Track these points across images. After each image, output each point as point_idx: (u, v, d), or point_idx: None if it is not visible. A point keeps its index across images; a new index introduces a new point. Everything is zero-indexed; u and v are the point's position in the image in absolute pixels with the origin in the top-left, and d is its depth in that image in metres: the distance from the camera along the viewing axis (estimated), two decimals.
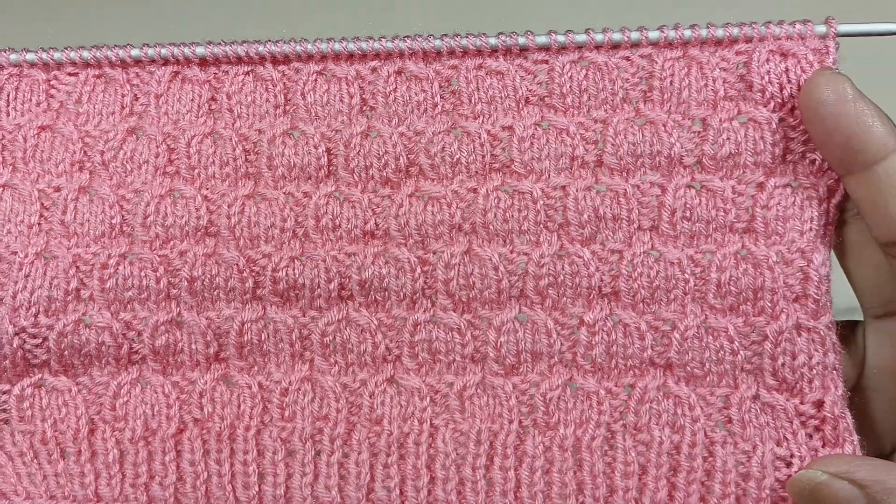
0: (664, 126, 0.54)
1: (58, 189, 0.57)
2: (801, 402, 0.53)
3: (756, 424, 0.53)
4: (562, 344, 0.55)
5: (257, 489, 0.55)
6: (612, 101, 0.55)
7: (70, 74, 0.58)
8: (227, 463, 0.55)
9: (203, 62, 0.58)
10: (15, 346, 0.55)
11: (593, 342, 0.54)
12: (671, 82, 0.54)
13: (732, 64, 0.54)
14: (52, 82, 0.58)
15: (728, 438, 0.53)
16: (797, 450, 0.53)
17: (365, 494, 0.54)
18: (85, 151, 0.57)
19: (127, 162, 0.57)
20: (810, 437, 0.53)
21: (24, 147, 0.57)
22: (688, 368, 0.54)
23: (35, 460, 0.55)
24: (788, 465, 0.53)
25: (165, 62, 0.58)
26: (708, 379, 0.54)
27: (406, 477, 0.54)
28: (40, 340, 0.56)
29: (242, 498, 0.55)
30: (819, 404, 0.53)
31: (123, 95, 0.58)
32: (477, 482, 0.54)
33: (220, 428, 0.56)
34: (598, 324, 0.54)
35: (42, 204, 0.57)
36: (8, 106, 0.58)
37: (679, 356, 0.54)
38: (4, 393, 0.56)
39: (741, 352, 0.53)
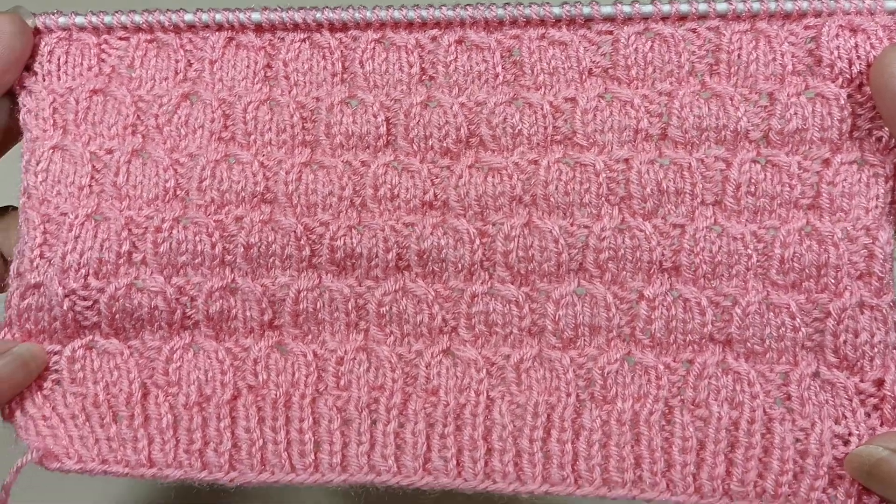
0: (731, 100, 0.53)
1: (110, 151, 0.56)
2: (862, 381, 0.52)
3: (815, 402, 0.53)
4: (620, 318, 0.54)
5: (313, 457, 0.55)
6: (678, 73, 0.54)
7: (121, 39, 0.58)
8: (283, 430, 0.55)
9: (258, 28, 0.57)
10: (65, 307, 0.55)
11: (653, 317, 0.54)
12: (738, 56, 0.53)
13: (801, 38, 0.53)
14: (102, 46, 0.58)
15: (786, 415, 0.53)
16: (855, 428, 0.52)
17: (422, 464, 0.54)
18: (138, 115, 0.57)
19: (181, 126, 0.56)
20: (868, 415, 0.53)
21: (76, 109, 0.56)
22: (748, 345, 0.53)
23: (87, 423, 0.55)
24: (846, 443, 0.52)
25: (219, 28, 0.57)
26: (768, 356, 0.53)
27: (463, 447, 0.54)
28: (91, 303, 0.55)
29: (298, 465, 0.55)
30: (879, 383, 0.52)
31: (177, 61, 0.57)
32: (534, 454, 0.54)
33: (276, 395, 0.55)
34: (657, 298, 0.54)
35: (93, 166, 0.56)
36: (59, 70, 0.57)
37: (739, 332, 0.53)
38: (55, 354, 0.56)
39: (802, 329, 0.53)
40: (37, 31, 0.57)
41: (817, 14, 0.53)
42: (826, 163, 0.53)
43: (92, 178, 0.56)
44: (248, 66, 0.57)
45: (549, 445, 0.54)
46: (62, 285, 0.55)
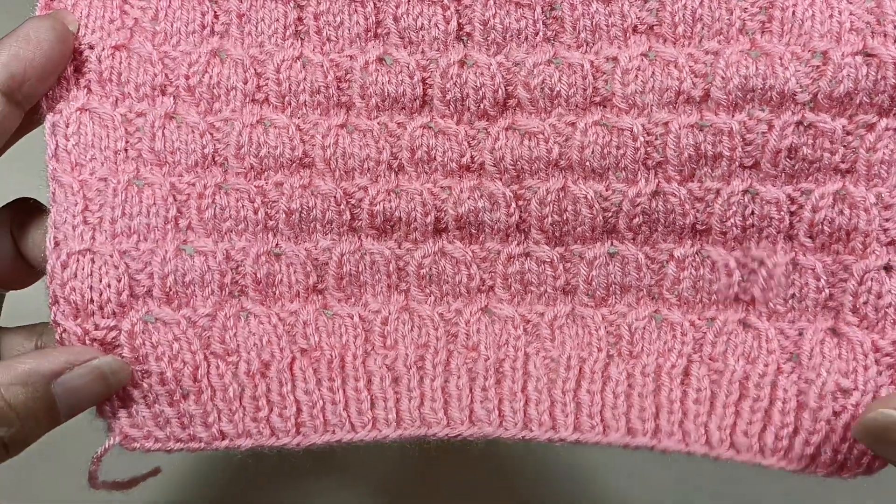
0: (780, 59, 0.51)
1: (141, 114, 0.55)
2: (882, 338, 0.54)
3: (826, 355, 0.54)
4: (651, 278, 0.56)
5: (371, 415, 0.57)
6: (728, 31, 0.52)
7: None
8: (340, 391, 0.57)
9: None
10: (121, 270, 0.54)
11: (681, 277, 0.55)
12: (793, 13, 0.51)
13: None
14: None
15: (795, 368, 0.55)
16: (863, 384, 0.53)
17: (468, 416, 0.57)
18: (166, 74, 0.55)
19: (214, 87, 0.55)
20: (880, 373, 0.54)
21: (100, 69, 0.54)
22: (770, 305, 0.55)
23: (157, 402, 0.55)
24: (847, 395, 0.53)
25: None
26: (789, 315, 0.55)
27: (503, 398, 0.57)
28: (143, 265, 0.55)
29: (357, 423, 0.57)
30: None
31: (203, 13, 0.55)
32: (566, 404, 0.57)
33: (330, 356, 0.57)
34: (687, 259, 0.55)
35: (126, 129, 0.55)
36: (81, 24, 0.55)
37: (762, 294, 0.55)
38: (112, 329, 0.54)
39: (826, 290, 0.54)
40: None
41: None
42: (870, 127, 0.52)
43: (127, 142, 0.55)
44: (277, 20, 0.54)
45: (579, 396, 0.57)
46: (115, 248, 0.54)
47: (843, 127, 0.52)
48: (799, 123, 0.52)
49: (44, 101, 0.55)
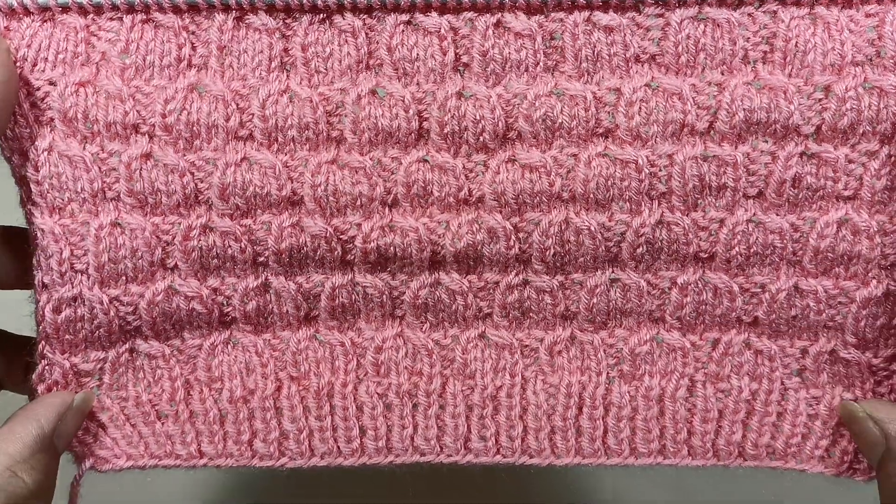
0: (784, 92, 0.51)
1: (113, 154, 0.52)
2: (875, 357, 0.56)
3: (829, 372, 0.56)
4: (652, 303, 0.56)
5: (359, 442, 0.57)
6: (730, 62, 0.51)
7: (112, 20, 0.51)
8: (329, 418, 0.57)
9: (271, 9, 0.50)
10: (112, 314, 0.53)
11: (684, 302, 0.56)
12: (795, 44, 0.50)
13: (861, 26, 0.50)
14: (91, 28, 0.51)
15: (801, 385, 0.57)
16: (863, 396, 0.56)
17: (463, 444, 0.57)
18: (138, 111, 0.51)
19: (193, 125, 0.51)
20: (879, 383, 0.56)
21: (63, 107, 0.50)
22: (773, 326, 0.56)
23: (127, 424, 0.56)
24: None
25: (226, 8, 0.50)
26: (790, 333, 0.56)
27: (501, 427, 0.57)
28: (132, 308, 0.54)
29: (346, 450, 0.57)
30: (891, 359, 0.56)
31: (180, 46, 0.51)
32: (567, 430, 0.57)
33: (318, 385, 0.57)
34: (689, 286, 0.55)
35: (99, 168, 0.52)
36: (38, 56, 0.50)
37: (766, 316, 0.56)
38: (100, 360, 0.55)
39: (826, 311, 0.55)
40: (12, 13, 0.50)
41: (879, 0, 0.49)
42: (872, 155, 0.52)
43: (103, 182, 0.52)
44: (261, 52, 0.51)
45: (580, 422, 0.58)
46: (105, 294, 0.53)
47: (846, 156, 0.52)
48: (802, 154, 0.52)
49: (3, 143, 0.51)
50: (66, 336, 0.54)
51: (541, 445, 0.58)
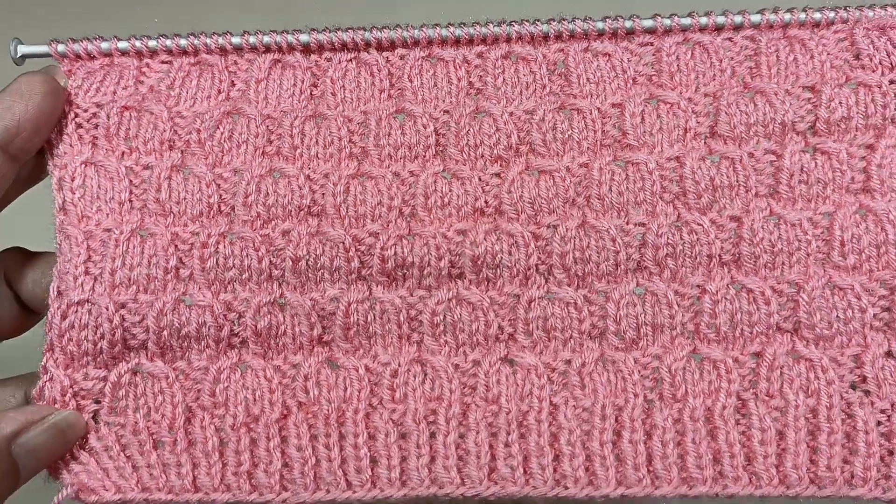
0: (775, 95, 0.55)
1: (147, 167, 0.56)
2: None
3: (892, 381, 0.52)
4: (683, 315, 0.54)
5: (370, 473, 0.52)
6: (721, 77, 0.56)
7: (163, 62, 0.57)
8: (337, 447, 0.53)
9: (305, 49, 0.57)
10: (115, 323, 0.53)
11: (717, 311, 0.53)
12: (777, 57, 0.56)
13: (833, 41, 0.56)
14: (143, 69, 0.57)
15: (864, 398, 0.52)
16: None
17: (487, 474, 0.52)
18: (175, 131, 0.56)
19: (224, 141, 0.56)
20: None
21: (108, 124, 0.56)
22: (816, 330, 0.53)
23: (122, 454, 0.53)
24: None
25: (267, 50, 0.57)
26: (837, 339, 0.53)
27: (529, 454, 0.52)
28: (139, 318, 0.54)
29: (355, 482, 0.52)
30: None
31: (221, 81, 0.57)
32: (606, 457, 0.52)
33: (328, 411, 0.54)
34: (720, 292, 0.54)
35: (131, 181, 0.55)
36: (90, 87, 0.56)
37: (807, 318, 0.53)
38: (101, 380, 0.54)
39: (869, 309, 0.53)
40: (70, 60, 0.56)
41: (844, 21, 0.56)
42: (871, 147, 0.54)
43: (131, 193, 0.55)
44: (294, 85, 0.57)
45: (620, 447, 0.52)
46: (112, 299, 0.53)
47: (846, 150, 0.54)
48: (804, 151, 0.55)
49: (49, 157, 0.56)
50: (70, 347, 0.53)
51: (577, 474, 0.53)
